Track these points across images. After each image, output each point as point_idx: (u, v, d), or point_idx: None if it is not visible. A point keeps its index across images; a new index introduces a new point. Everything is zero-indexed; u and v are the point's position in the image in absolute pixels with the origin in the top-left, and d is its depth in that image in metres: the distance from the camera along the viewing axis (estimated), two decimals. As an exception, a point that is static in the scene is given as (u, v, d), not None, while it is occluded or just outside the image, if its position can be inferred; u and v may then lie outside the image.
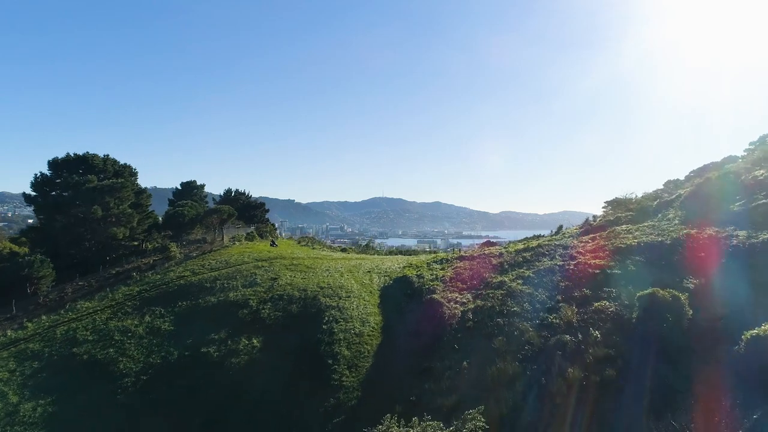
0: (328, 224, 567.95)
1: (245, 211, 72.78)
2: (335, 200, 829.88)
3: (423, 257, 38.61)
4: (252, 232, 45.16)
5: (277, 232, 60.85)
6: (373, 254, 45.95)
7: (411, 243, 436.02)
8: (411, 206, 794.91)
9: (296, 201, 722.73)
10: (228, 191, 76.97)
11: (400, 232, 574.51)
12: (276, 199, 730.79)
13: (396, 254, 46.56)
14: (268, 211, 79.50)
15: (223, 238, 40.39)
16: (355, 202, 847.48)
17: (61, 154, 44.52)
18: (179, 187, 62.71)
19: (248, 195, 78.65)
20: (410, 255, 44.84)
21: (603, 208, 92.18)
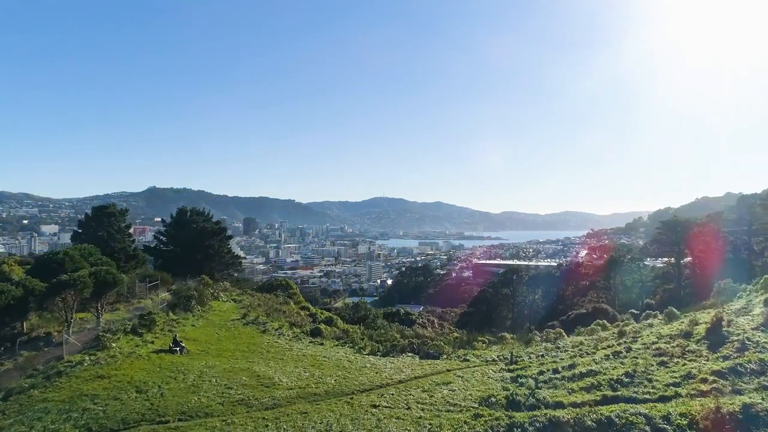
0: (328, 225, 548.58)
1: (199, 240, 52.94)
2: (336, 200, 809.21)
3: (459, 399, 18.45)
4: (150, 314, 24.97)
5: (236, 291, 38.94)
6: (365, 347, 25.80)
7: (412, 244, 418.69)
8: (412, 206, 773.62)
9: (296, 201, 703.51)
10: (182, 211, 56.96)
11: (401, 233, 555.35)
12: (276, 199, 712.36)
13: (404, 348, 26.02)
14: (231, 237, 59.64)
15: (66, 342, 20.39)
16: (356, 202, 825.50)
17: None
18: (88, 213, 42.74)
19: (208, 216, 58.73)
20: (428, 356, 24.71)
21: (657, 229, 71.52)
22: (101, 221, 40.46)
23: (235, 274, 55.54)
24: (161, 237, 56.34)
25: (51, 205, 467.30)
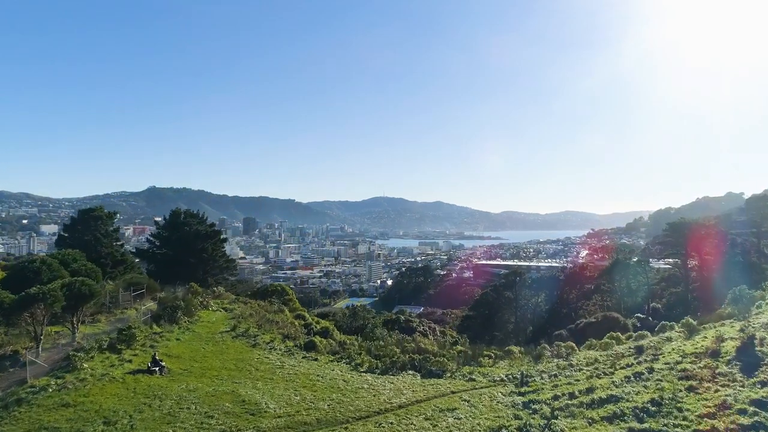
0: (328, 224, 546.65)
1: (192, 243, 51.08)
2: (336, 200, 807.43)
3: (466, 429, 16.58)
4: (129, 329, 23.13)
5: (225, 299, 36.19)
6: (362, 363, 23.93)
7: (412, 244, 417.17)
8: (412, 206, 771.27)
9: (297, 201, 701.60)
10: (175, 213, 55.03)
11: (401, 233, 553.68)
12: (276, 198, 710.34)
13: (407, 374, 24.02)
14: (225, 240, 57.91)
15: (29, 364, 18.49)
16: (356, 201, 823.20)
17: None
18: (74, 216, 40.75)
19: (203, 218, 56.86)
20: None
21: (664, 231, 69.56)
22: (88, 225, 38.56)
23: (230, 279, 53.65)
24: (154, 240, 54.52)
25: (51, 205, 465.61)
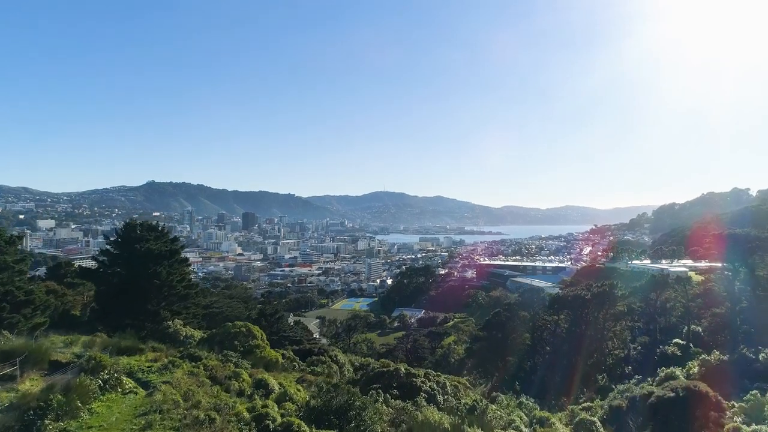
0: (328, 219, 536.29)
1: (143, 265, 40.83)
2: (336, 194, 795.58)
3: None
4: None
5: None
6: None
7: (413, 239, 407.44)
8: (412, 201, 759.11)
9: (296, 195, 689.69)
10: (130, 226, 44.39)
11: (401, 228, 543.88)
12: (276, 193, 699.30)
13: None
14: (186, 260, 47.39)
15: None
16: (356, 196, 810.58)
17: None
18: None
19: (163, 231, 46.44)
20: None
21: (708, 239, 59.37)
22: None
23: (192, 309, 43.37)
24: (103, 258, 44.34)
25: (48, 200, 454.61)
